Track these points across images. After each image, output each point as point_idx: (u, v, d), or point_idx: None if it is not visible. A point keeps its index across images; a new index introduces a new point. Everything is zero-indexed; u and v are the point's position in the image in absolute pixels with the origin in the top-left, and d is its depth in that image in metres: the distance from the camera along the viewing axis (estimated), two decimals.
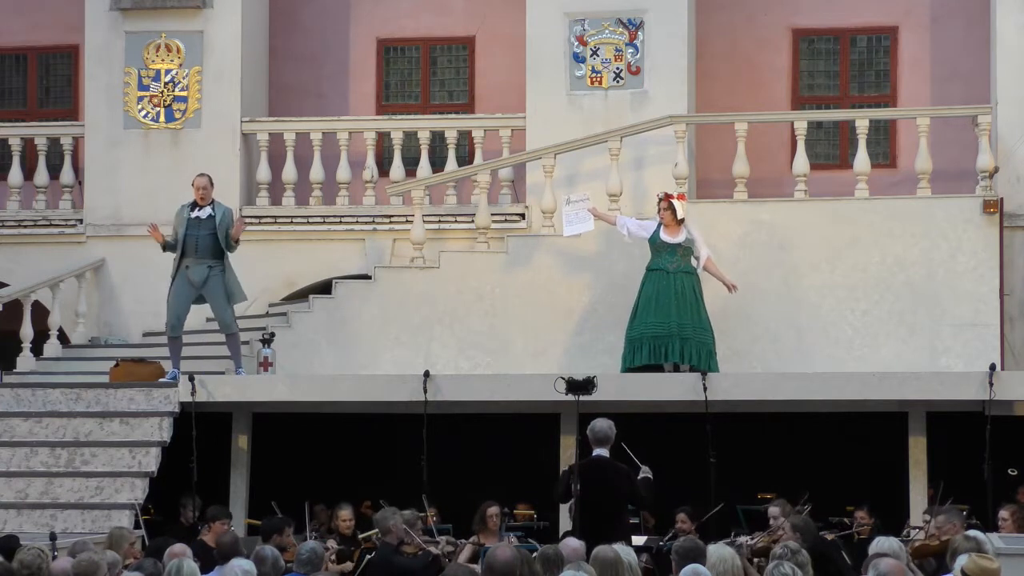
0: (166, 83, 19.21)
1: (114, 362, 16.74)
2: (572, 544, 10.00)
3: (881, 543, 10.11)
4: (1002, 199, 16.86)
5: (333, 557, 13.02)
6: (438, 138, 19.24)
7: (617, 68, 18.40)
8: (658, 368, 15.79)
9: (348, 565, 13.15)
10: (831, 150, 19.57)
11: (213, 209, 15.99)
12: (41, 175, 19.53)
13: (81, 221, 19.32)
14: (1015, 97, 17.42)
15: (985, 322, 16.58)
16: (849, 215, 16.98)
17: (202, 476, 14.99)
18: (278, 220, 19.02)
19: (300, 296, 18.56)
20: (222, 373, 16.40)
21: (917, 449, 15.37)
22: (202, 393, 15.53)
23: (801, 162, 17.43)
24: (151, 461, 15.37)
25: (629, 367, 15.88)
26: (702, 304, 15.95)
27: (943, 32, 19.29)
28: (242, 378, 16.08)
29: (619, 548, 9.53)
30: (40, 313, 18.01)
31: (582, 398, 13.88)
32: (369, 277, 17.66)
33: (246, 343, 16.70)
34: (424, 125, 19.16)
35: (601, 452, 13.21)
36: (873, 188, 17.36)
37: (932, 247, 16.76)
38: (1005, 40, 17.62)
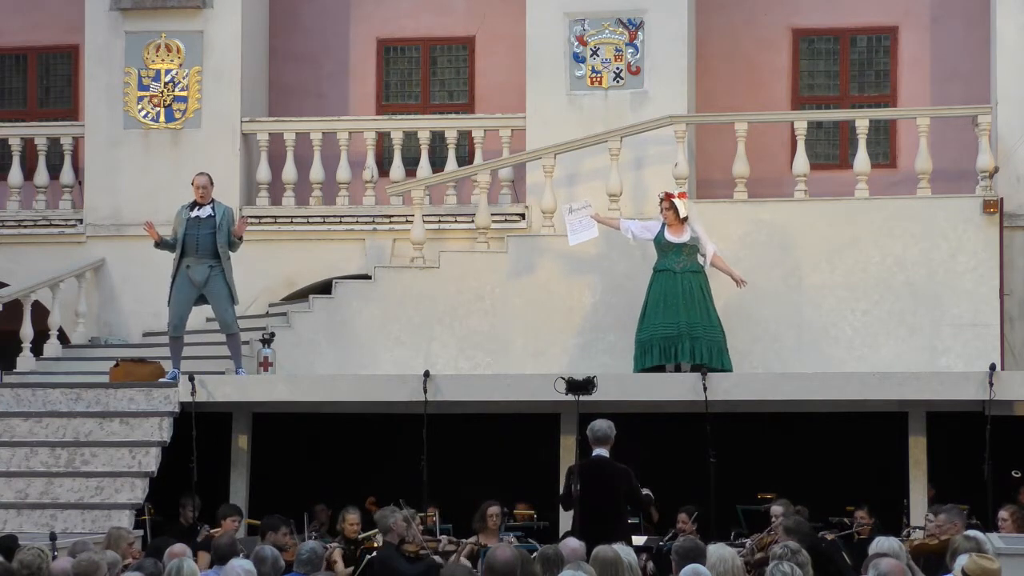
0: (166, 83, 19.20)
1: (114, 362, 16.73)
2: (572, 544, 9.98)
3: (881, 543, 10.11)
4: (1002, 199, 16.86)
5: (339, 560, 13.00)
6: (438, 138, 19.23)
7: (617, 68, 18.39)
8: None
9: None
10: (831, 150, 19.55)
11: (213, 208, 16.00)
12: (41, 175, 19.53)
13: (81, 221, 19.31)
14: (1015, 97, 17.42)
15: (985, 322, 16.58)
16: (849, 215, 16.97)
17: (202, 476, 14.98)
18: (278, 220, 19.01)
19: (300, 296, 18.55)
20: (222, 373, 16.40)
21: (917, 449, 15.37)
22: (202, 393, 15.53)
23: (801, 162, 17.43)
24: (151, 461, 15.36)
25: (641, 369, 15.85)
26: (711, 302, 15.91)
27: (943, 32, 19.28)
28: (242, 378, 16.07)
29: (619, 548, 9.52)
30: (40, 313, 18.00)
31: (582, 398, 13.88)
32: (369, 277, 17.65)
33: (246, 343, 16.70)
34: (424, 125, 19.15)
35: (601, 452, 13.20)
36: (873, 188, 17.36)
37: (932, 247, 16.75)
38: (1005, 40, 17.61)
